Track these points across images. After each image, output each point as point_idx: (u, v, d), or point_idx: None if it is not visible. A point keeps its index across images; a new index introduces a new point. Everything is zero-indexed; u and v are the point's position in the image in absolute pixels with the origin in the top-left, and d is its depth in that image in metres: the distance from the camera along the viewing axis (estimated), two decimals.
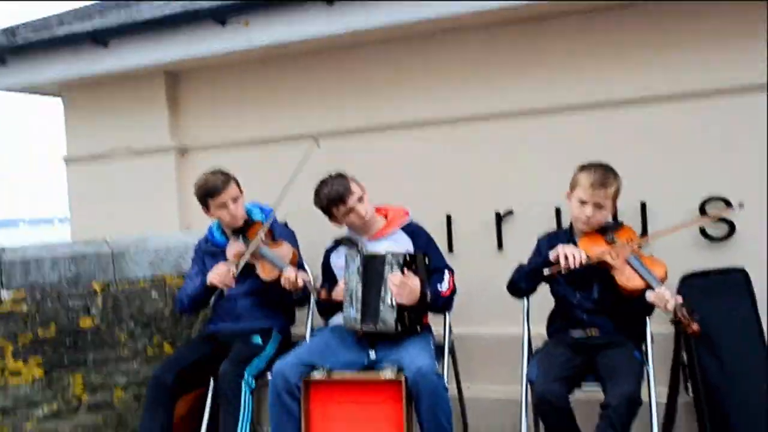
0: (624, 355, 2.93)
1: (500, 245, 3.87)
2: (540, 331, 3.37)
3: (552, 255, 3.00)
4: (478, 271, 3.86)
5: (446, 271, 3.33)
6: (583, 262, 2.95)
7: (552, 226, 3.71)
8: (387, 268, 3.12)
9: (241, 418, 3.18)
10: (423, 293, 3.12)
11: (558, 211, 3.73)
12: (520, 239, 3.78)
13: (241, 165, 3.82)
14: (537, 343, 3.37)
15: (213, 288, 3.55)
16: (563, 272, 2.96)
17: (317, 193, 3.41)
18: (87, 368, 3.81)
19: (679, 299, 2.80)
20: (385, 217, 3.50)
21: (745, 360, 3.18)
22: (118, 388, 3.88)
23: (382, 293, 3.12)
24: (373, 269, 3.18)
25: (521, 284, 3.17)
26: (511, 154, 3.85)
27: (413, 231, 3.46)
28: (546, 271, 2.99)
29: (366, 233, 3.44)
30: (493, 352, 3.79)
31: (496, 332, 3.80)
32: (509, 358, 3.55)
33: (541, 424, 3.41)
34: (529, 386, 3.20)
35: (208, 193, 3.56)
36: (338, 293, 3.29)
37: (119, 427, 3.88)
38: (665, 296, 2.80)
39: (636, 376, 2.84)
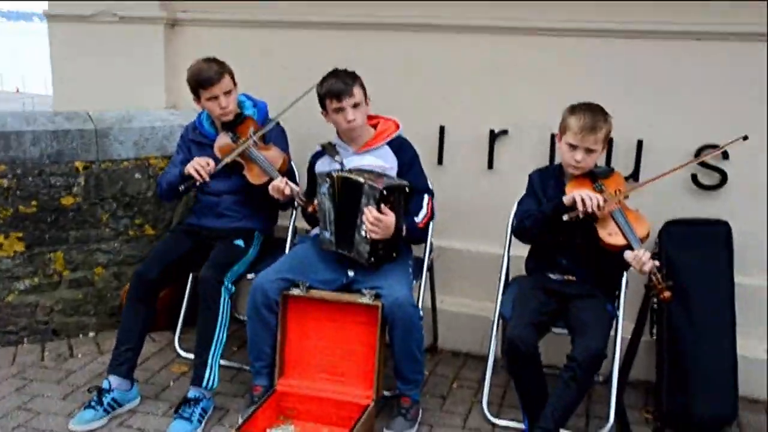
0: (596, 308, 2.98)
1: (491, 164, 3.81)
2: (520, 253, 3.38)
3: (567, 200, 2.95)
4: (466, 188, 3.85)
5: (426, 196, 3.29)
6: (601, 204, 2.90)
7: (545, 151, 3.67)
8: (364, 199, 3.06)
9: (219, 324, 3.20)
10: (398, 228, 3.08)
11: (553, 138, 3.64)
12: (510, 160, 3.76)
13: (234, 46, 3.63)
14: (515, 265, 3.41)
15: (190, 177, 3.39)
16: (581, 216, 2.91)
17: (323, 79, 3.30)
18: (68, 245, 3.84)
19: (655, 264, 2.80)
20: (374, 127, 3.42)
21: (712, 314, 3.24)
22: (98, 266, 3.93)
23: (358, 222, 3.08)
24: (349, 195, 3.12)
25: (534, 230, 3.10)
26: (515, 72, 3.69)
27: (400, 146, 3.38)
28: (565, 217, 2.92)
29: (352, 143, 3.37)
30: (470, 269, 3.85)
31: (476, 249, 3.84)
32: (486, 276, 3.63)
33: None
34: (501, 320, 3.30)
35: (199, 83, 3.42)
36: None
37: (99, 304, 3.98)
38: (642, 259, 2.80)
39: (604, 331, 2.91)
